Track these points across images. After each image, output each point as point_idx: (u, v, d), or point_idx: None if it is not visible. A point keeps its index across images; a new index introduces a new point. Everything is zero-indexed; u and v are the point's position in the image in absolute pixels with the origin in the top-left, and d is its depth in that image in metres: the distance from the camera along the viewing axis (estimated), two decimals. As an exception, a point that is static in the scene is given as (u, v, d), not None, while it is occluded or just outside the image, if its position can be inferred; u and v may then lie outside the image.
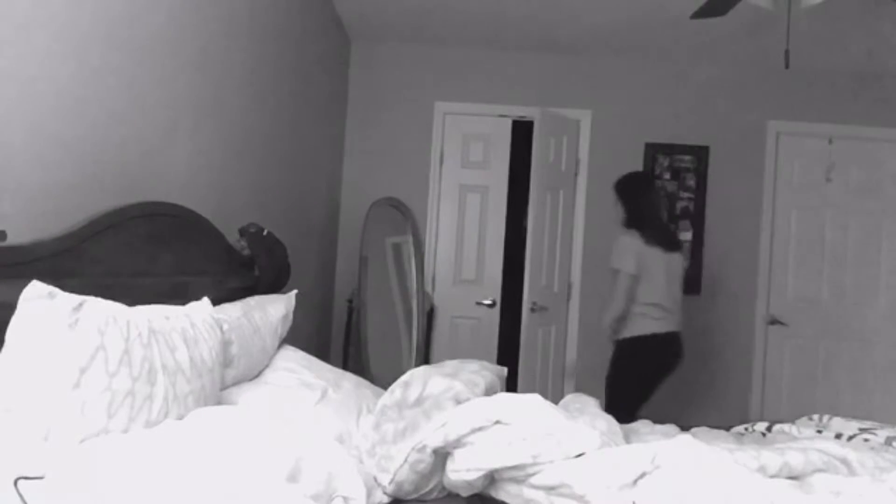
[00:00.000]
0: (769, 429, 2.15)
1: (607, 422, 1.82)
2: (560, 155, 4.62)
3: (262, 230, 2.45)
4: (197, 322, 1.57)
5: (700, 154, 4.64)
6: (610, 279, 3.37)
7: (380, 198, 4.30)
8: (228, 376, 1.75)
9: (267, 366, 2.00)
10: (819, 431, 2.03)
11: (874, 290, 4.63)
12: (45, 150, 1.50)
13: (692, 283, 4.59)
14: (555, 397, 2.39)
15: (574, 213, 4.63)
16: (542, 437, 1.53)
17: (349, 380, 2.11)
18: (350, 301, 4.29)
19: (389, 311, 4.38)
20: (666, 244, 3.31)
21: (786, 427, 2.11)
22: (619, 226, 3.40)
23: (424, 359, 4.29)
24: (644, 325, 3.25)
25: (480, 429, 1.55)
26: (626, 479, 1.44)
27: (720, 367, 4.57)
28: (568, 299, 4.61)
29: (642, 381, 3.27)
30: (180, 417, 1.37)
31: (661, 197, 3.42)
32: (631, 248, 3.27)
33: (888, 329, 4.60)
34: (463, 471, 1.55)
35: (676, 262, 3.36)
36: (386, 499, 1.63)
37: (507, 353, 4.33)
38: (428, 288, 4.55)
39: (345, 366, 3.91)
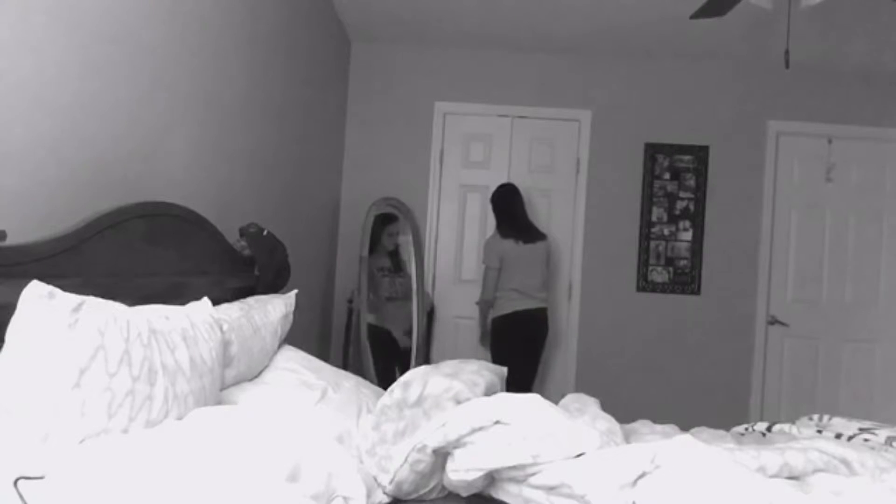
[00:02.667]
0: (769, 429, 2.14)
1: (607, 422, 1.82)
2: (560, 155, 4.63)
3: (262, 230, 2.45)
4: (197, 322, 1.57)
5: (700, 154, 4.64)
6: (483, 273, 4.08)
7: (380, 198, 4.30)
8: (228, 376, 1.75)
9: (267, 366, 2.00)
10: (819, 431, 2.03)
11: (874, 290, 4.63)
12: (44, 150, 1.50)
13: (692, 283, 4.60)
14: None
15: (574, 213, 4.63)
16: (542, 437, 1.53)
17: (349, 380, 2.11)
18: (350, 301, 4.29)
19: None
20: (523, 238, 3.99)
21: (786, 427, 2.11)
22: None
23: (424, 359, 4.29)
24: (506, 305, 3.97)
25: (480, 429, 1.55)
26: (626, 479, 1.44)
27: (720, 367, 4.57)
28: (569, 299, 4.61)
29: (515, 352, 3.84)
30: (180, 417, 1.37)
31: (522, 201, 4.15)
32: (493, 247, 4.02)
33: (888, 329, 4.60)
34: (463, 471, 1.55)
35: (534, 252, 4.03)
36: (386, 499, 1.63)
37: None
38: (428, 288, 4.55)
39: (345, 366, 3.92)
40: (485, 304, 4.04)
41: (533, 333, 4.04)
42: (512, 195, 4.14)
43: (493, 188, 4.41)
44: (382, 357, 4.13)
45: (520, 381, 3.61)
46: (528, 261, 4.00)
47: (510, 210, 4.11)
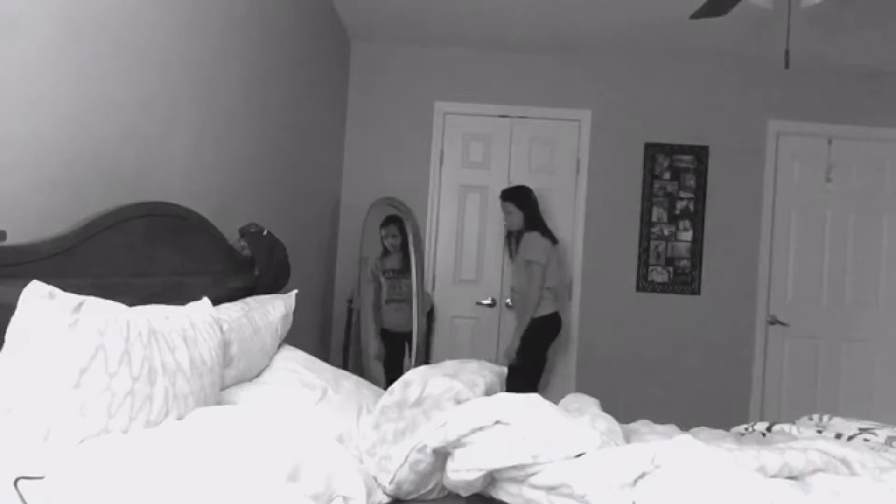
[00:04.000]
0: (769, 429, 2.14)
1: (607, 422, 1.82)
2: (560, 155, 4.63)
3: (262, 230, 2.45)
4: (197, 322, 1.57)
5: (700, 154, 4.64)
6: (523, 270, 4.02)
7: (380, 198, 4.30)
8: (228, 376, 1.75)
9: (267, 366, 2.00)
10: (819, 431, 2.03)
11: (874, 290, 4.63)
12: (45, 150, 1.50)
13: (692, 283, 4.60)
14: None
15: (574, 213, 4.63)
16: (542, 437, 1.53)
17: (349, 380, 2.11)
18: (350, 301, 4.29)
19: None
20: (553, 239, 4.09)
21: (786, 427, 2.11)
22: (518, 228, 4.14)
23: (424, 359, 4.29)
24: (547, 306, 4.00)
25: (480, 429, 1.55)
26: (626, 479, 1.44)
27: (720, 367, 4.57)
28: (569, 299, 4.61)
29: (542, 352, 4.05)
30: (180, 417, 1.37)
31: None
32: (542, 245, 4.02)
33: (888, 329, 4.60)
34: (463, 471, 1.55)
35: (558, 254, 4.19)
36: (386, 499, 1.63)
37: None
38: (428, 288, 4.55)
39: (345, 366, 3.92)
40: (526, 318, 3.94)
41: (557, 334, 4.13)
42: (531, 194, 4.17)
43: (492, 188, 4.43)
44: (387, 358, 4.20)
45: (532, 380, 3.82)
46: (556, 262, 4.10)
47: (537, 210, 4.16)
